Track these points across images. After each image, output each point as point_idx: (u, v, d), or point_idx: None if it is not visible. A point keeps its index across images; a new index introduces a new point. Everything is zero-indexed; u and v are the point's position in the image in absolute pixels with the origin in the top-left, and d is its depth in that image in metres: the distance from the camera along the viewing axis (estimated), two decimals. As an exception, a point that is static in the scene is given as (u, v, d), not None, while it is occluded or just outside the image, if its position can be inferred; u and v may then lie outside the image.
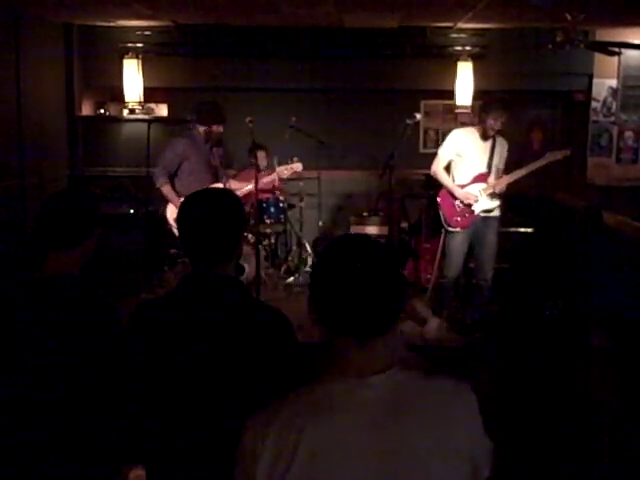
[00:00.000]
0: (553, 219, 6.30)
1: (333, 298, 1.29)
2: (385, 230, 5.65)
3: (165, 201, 5.12)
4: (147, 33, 6.63)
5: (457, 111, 6.68)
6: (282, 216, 6.22)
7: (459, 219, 4.86)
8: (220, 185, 4.96)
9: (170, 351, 1.72)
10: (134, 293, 5.71)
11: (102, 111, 6.97)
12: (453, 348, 4.80)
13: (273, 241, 6.52)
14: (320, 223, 6.70)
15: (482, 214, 4.86)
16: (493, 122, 4.70)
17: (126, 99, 6.65)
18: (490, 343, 4.89)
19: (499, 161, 4.88)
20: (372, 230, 6.37)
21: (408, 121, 4.86)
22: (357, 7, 5.24)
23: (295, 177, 6.44)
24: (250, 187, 5.09)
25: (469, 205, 4.83)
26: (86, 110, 6.95)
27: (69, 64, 6.62)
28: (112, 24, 6.42)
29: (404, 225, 6.38)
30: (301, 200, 6.43)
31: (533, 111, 7.15)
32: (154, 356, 1.74)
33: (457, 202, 4.87)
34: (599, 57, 6.46)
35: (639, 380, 4.10)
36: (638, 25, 6.06)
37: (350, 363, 1.31)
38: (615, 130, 6.83)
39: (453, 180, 4.92)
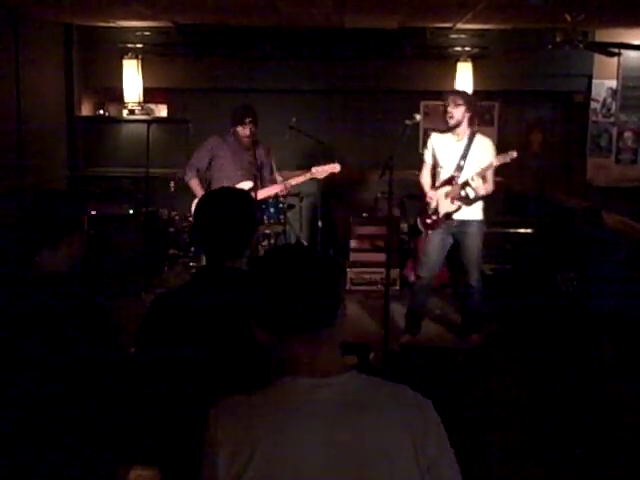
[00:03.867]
0: (553, 219, 6.31)
1: (275, 299, 1.33)
2: (384, 231, 5.65)
3: (193, 196, 5.21)
4: (147, 33, 6.63)
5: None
6: (282, 216, 6.22)
7: (428, 221, 4.84)
8: (248, 184, 5.00)
9: (184, 341, 1.79)
10: (134, 293, 5.71)
11: (102, 111, 6.97)
12: (453, 349, 4.80)
13: (273, 241, 6.52)
14: (320, 223, 6.70)
15: (457, 218, 4.72)
16: (451, 108, 4.58)
17: (126, 99, 6.66)
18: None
19: (477, 162, 4.63)
20: (371, 230, 6.37)
21: (408, 122, 4.82)
22: (357, 8, 5.25)
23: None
24: (274, 191, 5.26)
25: (435, 208, 4.78)
26: (86, 110, 6.95)
27: (69, 64, 6.62)
28: (112, 24, 6.43)
29: (403, 226, 6.38)
30: (301, 200, 6.42)
31: (533, 111, 7.16)
32: (170, 346, 1.80)
33: (428, 204, 4.86)
34: (599, 58, 6.47)
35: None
36: (638, 25, 6.07)
37: (306, 364, 1.34)
38: (614, 131, 6.84)
39: (434, 183, 4.89)
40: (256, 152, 5.12)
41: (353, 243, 6.41)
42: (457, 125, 4.65)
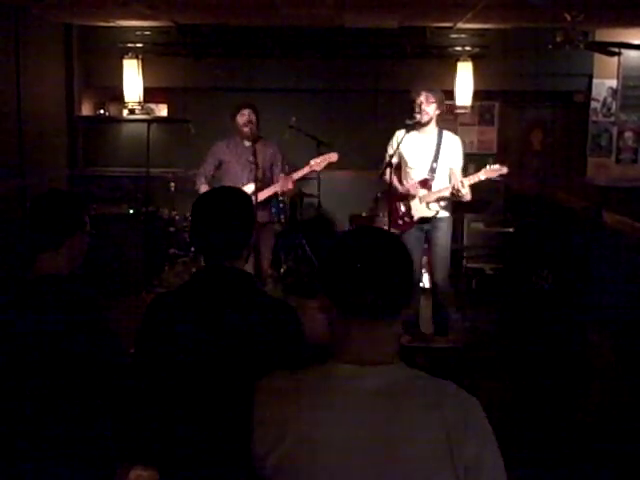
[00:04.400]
0: (553, 219, 6.30)
1: (350, 276, 1.31)
2: (385, 230, 5.64)
3: None
4: (147, 33, 6.63)
5: (457, 111, 6.68)
6: (282, 216, 6.23)
7: (400, 222, 4.72)
8: (251, 187, 4.84)
9: (183, 341, 1.79)
10: (134, 293, 5.71)
11: (102, 111, 6.97)
12: (452, 348, 4.79)
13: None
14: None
15: (429, 215, 4.63)
16: (424, 106, 4.49)
17: (126, 99, 6.65)
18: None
19: (448, 162, 4.60)
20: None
21: (408, 121, 4.79)
22: (357, 7, 5.25)
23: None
24: (273, 190, 5.11)
25: (408, 211, 4.67)
26: (86, 110, 6.95)
27: (69, 64, 6.62)
28: (112, 24, 6.42)
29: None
30: (301, 199, 6.43)
31: (533, 111, 7.16)
32: (169, 346, 1.80)
33: (399, 205, 4.73)
34: (599, 57, 6.46)
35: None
36: (638, 25, 6.06)
37: (356, 349, 1.32)
38: (615, 130, 6.84)
39: (401, 183, 4.78)
40: (264, 152, 5.05)
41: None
42: (428, 122, 4.58)
